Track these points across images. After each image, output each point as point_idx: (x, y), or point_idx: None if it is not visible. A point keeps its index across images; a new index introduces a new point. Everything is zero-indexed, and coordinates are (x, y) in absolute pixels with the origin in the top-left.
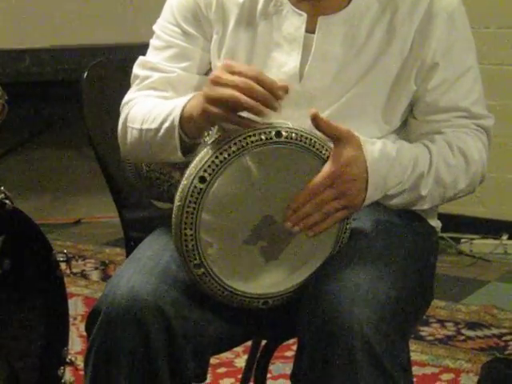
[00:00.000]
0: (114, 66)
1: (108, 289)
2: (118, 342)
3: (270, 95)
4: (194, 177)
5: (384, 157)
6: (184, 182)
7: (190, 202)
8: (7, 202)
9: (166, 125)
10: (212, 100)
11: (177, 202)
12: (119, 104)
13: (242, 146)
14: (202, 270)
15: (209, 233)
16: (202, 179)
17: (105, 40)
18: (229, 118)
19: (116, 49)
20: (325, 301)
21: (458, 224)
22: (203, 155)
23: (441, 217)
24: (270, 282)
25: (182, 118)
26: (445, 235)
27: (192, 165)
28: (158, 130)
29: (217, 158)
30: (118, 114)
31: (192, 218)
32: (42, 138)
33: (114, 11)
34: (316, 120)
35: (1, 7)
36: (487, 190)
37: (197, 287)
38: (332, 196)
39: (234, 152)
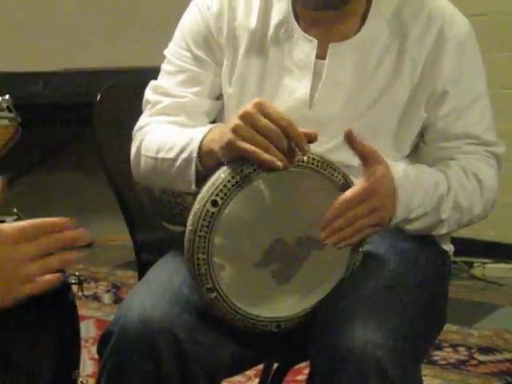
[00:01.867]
0: (127, 90)
1: (120, 312)
2: (130, 366)
3: (293, 153)
4: (207, 201)
5: (407, 177)
6: (196, 205)
7: (202, 225)
8: None
9: (183, 156)
10: (242, 137)
11: (189, 226)
12: (132, 127)
13: (254, 170)
14: (215, 293)
15: (221, 256)
16: (215, 203)
17: (117, 63)
18: (253, 155)
19: (129, 72)
20: (337, 324)
21: (470, 248)
22: (216, 179)
23: (453, 241)
24: (283, 305)
25: (200, 150)
26: (457, 259)
27: (204, 189)
28: (174, 160)
29: (229, 181)
30: (130, 138)
31: (204, 241)
32: (55, 160)
33: (127, 34)
34: (349, 137)
35: (14, 30)
36: (499, 214)
37: (209, 311)
38: (365, 211)
39: (246, 176)
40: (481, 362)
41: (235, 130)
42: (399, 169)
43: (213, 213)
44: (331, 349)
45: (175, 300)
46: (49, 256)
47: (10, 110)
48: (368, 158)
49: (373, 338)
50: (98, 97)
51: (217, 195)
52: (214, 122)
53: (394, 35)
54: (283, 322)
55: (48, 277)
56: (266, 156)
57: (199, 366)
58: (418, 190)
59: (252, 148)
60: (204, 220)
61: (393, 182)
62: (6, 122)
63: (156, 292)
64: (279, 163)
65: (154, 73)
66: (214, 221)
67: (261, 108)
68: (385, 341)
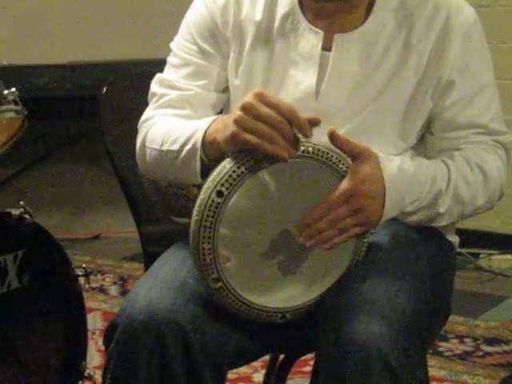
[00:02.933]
0: (133, 82)
1: (126, 303)
2: (136, 356)
3: (297, 139)
4: (212, 191)
5: (402, 174)
6: (202, 196)
7: (207, 216)
8: (27, 216)
9: (188, 147)
10: (245, 129)
11: (194, 216)
12: (138, 119)
13: (260, 160)
14: (220, 283)
15: (226, 247)
16: (220, 193)
17: (123, 56)
18: (258, 146)
19: (134, 64)
20: (341, 315)
21: (476, 239)
22: (221, 169)
23: (459, 232)
24: (288, 295)
25: (204, 141)
26: (463, 251)
27: (209, 179)
28: (179, 151)
29: (234, 172)
30: (136, 130)
31: (209, 231)
32: (61, 153)
33: (133, 27)
34: (333, 137)
35: (19, 24)
36: (506, 206)
37: (214, 301)
38: (347, 212)
39: (251, 166)
40: (487, 353)
41: (238, 122)
42: (394, 164)
43: (218, 203)
44: (335, 340)
45: (181, 291)
46: None
47: (16, 103)
48: (357, 155)
49: (376, 330)
50: (104, 89)
51: (222, 185)
52: (219, 113)
53: (400, 26)
54: (288, 312)
55: None
56: (271, 147)
57: (205, 356)
58: (415, 185)
59: (256, 140)
60: (209, 210)
61: (382, 180)
62: (12, 114)
63: (161, 283)
64: (285, 154)
65: (159, 65)
66: (220, 211)
67: (261, 97)
68: (388, 332)
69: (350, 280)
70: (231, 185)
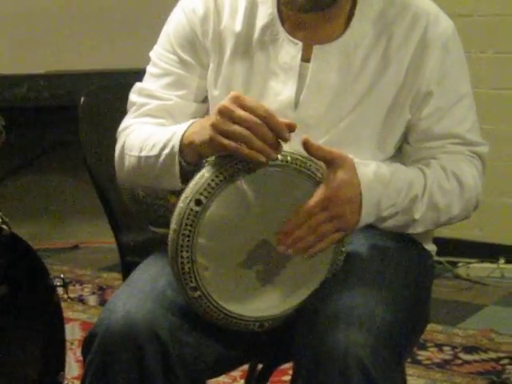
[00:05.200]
0: (111, 92)
1: (104, 313)
2: (114, 366)
3: (276, 143)
4: (190, 200)
5: (378, 179)
6: (180, 204)
7: (186, 224)
8: (4, 227)
9: (166, 151)
10: (222, 132)
11: (173, 225)
12: (116, 129)
13: (238, 169)
14: (198, 292)
15: (205, 256)
16: (198, 202)
17: (101, 65)
18: (236, 150)
19: (113, 74)
20: (320, 324)
21: (454, 248)
22: (199, 178)
23: (437, 241)
24: (266, 305)
25: (182, 144)
26: (442, 259)
27: (188, 187)
28: (157, 156)
29: (212, 180)
30: (114, 140)
31: (188, 240)
32: (40, 163)
33: (111, 37)
34: (307, 145)
35: None
36: (484, 214)
37: (193, 310)
38: (325, 219)
39: (229, 175)
40: (466, 362)
41: (215, 126)
42: (370, 169)
43: (196, 211)
44: (314, 349)
45: (159, 301)
46: None
47: None
48: (332, 162)
49: (355, 338)
50: (82, 99)
51: (201, 194)
52: None
53: (379, 37)
54: (266, 321)
55: None
56: (248, 151)
57: (183, 366)
58: (390, 190)
59: (233, 144)
60: (188, 219)
61: (358, 185)
62: None
63: (139, 293)
64: (262, 158)
65: (137, 75)
66: (198, 220)
67: (237, 100)
68: (367, 341)
69: (328, 289)
70: (210, 193)
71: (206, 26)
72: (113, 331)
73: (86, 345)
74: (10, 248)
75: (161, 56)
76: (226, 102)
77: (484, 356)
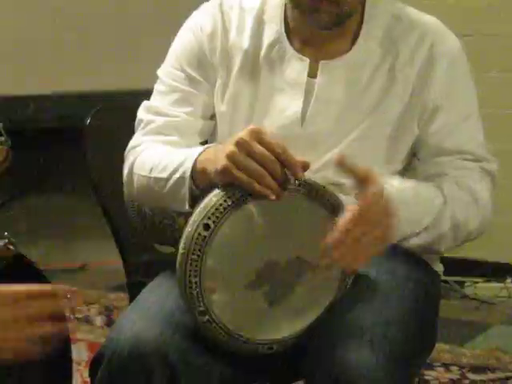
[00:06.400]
0: (117, 112)
1: (112, 334)
2: None
3: (287, 179)
4: (198, 224)
5: (405, 193)
6: (188, 228)
7: (194, 249)
8: (11, 247)
9: (177, 175)
10: (237, 164)
11: (181, 250)
12: (122, 149)
13: (247, 194)
14: (207, 316)
15: (212, 279)
16: (207, 226)
17: (107, 86)
18: (247, 185)
19: (118, 95)
20: (332, 346)
21: (461, 267)
22: (207, 202)
23: (444, 260)
24: (274, 327)
25: (193, 170)
26: (449, 279)
27: (196, 212)
28: (167, 179)
29: (221, 205)
30: (120, 159)
31: (196, 265)
32: (47, 184)
33: (116, 58)
34: (342, 164)
35: (2, 54)
36: (490, 233)
37: (202, 333)
38: (364, 233)
39: (237, 199)
40: (473, 382)
41: (230, 157)
42: (395, 184)
43: (205, 236)
44: (326, 371)
45: (167, 322)
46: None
47: (0, 134)
48: (361, 180)
49: (367, 360)
50: (88, 120)
51: (209, 218)
52: (205, 141)
53: (386, 53)
54: (275, 343)
55: None
56: (259, 187)
57: None
58: (419, 204)
59: (246, 178)
60: (196, 244)
61: (389, 201)
62: None
63: (147, 314)
64: (272, 196)
65: (142, 95)
66: (206, 244)
67: (256, 135)
68: (379, 362)
69: (339, 309)
70: (218, 218)
71: (214, 43)
72: (121, 352)
73: (94, 366)
74: (17, 268)
75: (168, 73)
76: (245, 134)
77: (491, 376)
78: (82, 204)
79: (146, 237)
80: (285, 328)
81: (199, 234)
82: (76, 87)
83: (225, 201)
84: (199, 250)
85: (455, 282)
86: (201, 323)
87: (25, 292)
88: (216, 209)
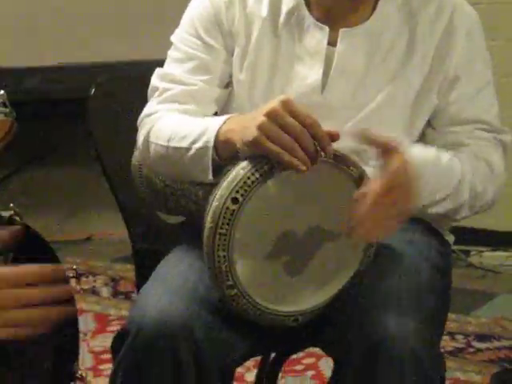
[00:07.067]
0: (121, 83)
1: (136, 311)
2: (148, 363)
3: (316, 152)
4: (227, 198)
5: (427, 161)
6: (215, 203)
7: (222, 223)
8: (17, 218)
9: (198, 145)
10: (268, 135)
11: (208, 224)
12: (127, 119)
13: (275, 167)
14: (235, 290)
15: (240, 252)
16: (235, 200)
17: (115, 57)
18: (278, 156)
19: (126, 66)
20: (370, 314)
21: (467, 236)
22: (235, 175)
23: (451, 229)
24: (298, 298)
25: (216, 140)
26: (455, 248)
27: (223, 185)
28: (187, 149)
29: (249, 178)
30: (125, 130)
31: (225, 239)
32: (52, 156)
33: (123, 29)
34: (366, 138)
35: (9, 25)
36: (497, 202)
37: (229, 308)
38: (389, 204)
39: (265, 172)
40: (478, 350)
41: (261, 128)
42: (418, 152)
43: (233, 210)
44: (366, 339)
45: (191, 298)
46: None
47: (5, 105)
48: (385, 150)
49: (406, 327)
50: (92, 90)
51: (237, 192)
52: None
53: (405, 23)
54: (301, 315)
55: None
56: (290, 158)
57: (215, 361)
58: (441, 173)
59: (278, 149)
60: (224, 218)
61: (413, 169)
62: (1, 116)
63: (171, 290)
64: (303, 167)
65: (149, 66)
66: (235, 218)
67: (287, 106)
68: (417, 329)
69: (368, 278)
70: (246, 191)
71: (232, 10)
72: (147, 329)
73: (117, 341)
74: (22, 240)
75: (184, 40)
76: (276, 105)
77: (497, 344)
78: (88, 175)
79: (152, 205)
80: (309, 299)
81: (227, 208)
82: (83, 58)
83: (252, 174)
84: (227, 224)
85: (461, 251)
86: (229, 297)
87: (38, 273)
88: (244, 182)
